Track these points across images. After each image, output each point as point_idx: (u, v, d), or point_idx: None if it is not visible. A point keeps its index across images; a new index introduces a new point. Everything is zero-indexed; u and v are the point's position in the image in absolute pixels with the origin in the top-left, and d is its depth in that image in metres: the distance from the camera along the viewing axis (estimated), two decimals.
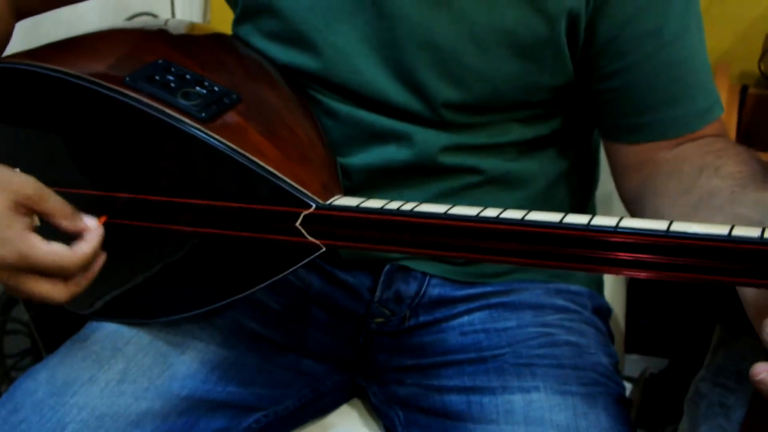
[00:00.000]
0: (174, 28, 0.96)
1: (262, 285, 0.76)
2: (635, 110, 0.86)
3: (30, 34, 0.88)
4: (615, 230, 0.58)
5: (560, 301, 0.97)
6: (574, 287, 1.00)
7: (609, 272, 0.60)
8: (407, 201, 0.86)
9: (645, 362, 1.82)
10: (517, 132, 0.91)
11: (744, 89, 1.51)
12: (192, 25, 1.01)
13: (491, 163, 0.91)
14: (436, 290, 0.96)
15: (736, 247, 0.54)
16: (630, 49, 0.83)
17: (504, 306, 0.96)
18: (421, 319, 0.96)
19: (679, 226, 0.57)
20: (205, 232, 0.76)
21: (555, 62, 0.85)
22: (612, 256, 0.58)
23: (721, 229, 0.55)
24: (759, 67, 1.47)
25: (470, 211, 0.63)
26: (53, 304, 0.73)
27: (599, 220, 0.59)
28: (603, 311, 1.03)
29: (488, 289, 0.97)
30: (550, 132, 0.93)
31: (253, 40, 0.93)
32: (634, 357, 1.84)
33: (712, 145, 0.83)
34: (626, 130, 0.88)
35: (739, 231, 0.55)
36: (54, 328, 0.90)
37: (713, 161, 0.78)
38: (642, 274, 0.58)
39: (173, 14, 1.66)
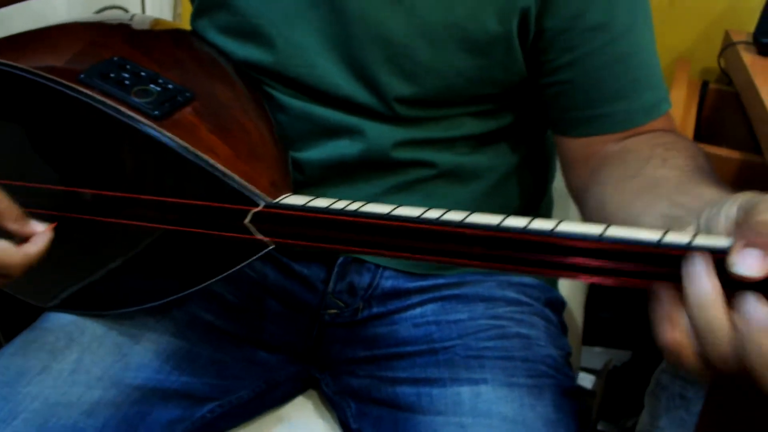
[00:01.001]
0: (136, 23, 0.96)
1: (214, 280, 0.77)
2: (583, 104, 0.87)
3: (2, 27, 0.88)
4: (551, 233, 0.59)
5: (512, 294, 0.99)
6: (526, 279, 1.01)
7: (546, 274, 0.61)
8: (361, 195, 0.88)
9: (608, 355, 1.84)
10: (470, 126, 0.92)
11: (704, 85, 1.53)
12: (155, 21, 1.01)
13: (444, 157, 0.92)
14: (389, 282, 0.97)
15: (666, 253, 0.55)
16: (578, 43, 0.84)
17: (456, 298, 0.97)
18: (375, 310, 0.98)
19: (613, 231, 0.58)
20: (157, 227, 0.77)
21: (507, 57, 0.86)
22: (548, 259, 0.59)
23: (653, 235, 0.56)
24: (718, 62, 1.49)
25: (413, 212, 0.64)
26: None
27: (537, 224, 0.60)
28: (556, 303, 1.05)
29: (441, 281, 0.98)
30: (504, 126, 0.94)
31: (210, 35, 0.93)
32: (597, 349, 1.86)
33: (661, 137, 0.84)
34: (574, 123, 0.89)
35: (670, 237, 0.56)
36: (15, 320, 0.90)
37: (662, 152, 0.79)
38: (580, 278, 0.59)
39: (143, 7, 1.66)
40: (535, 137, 1.01)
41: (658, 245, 0.55)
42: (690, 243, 0.54)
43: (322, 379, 1.02)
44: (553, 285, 1.08)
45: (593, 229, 0.58)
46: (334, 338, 0.99)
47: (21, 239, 0.75)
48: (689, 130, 1.38)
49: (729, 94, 1.51)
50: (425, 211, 0.64)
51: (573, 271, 0.59)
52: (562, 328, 1.04)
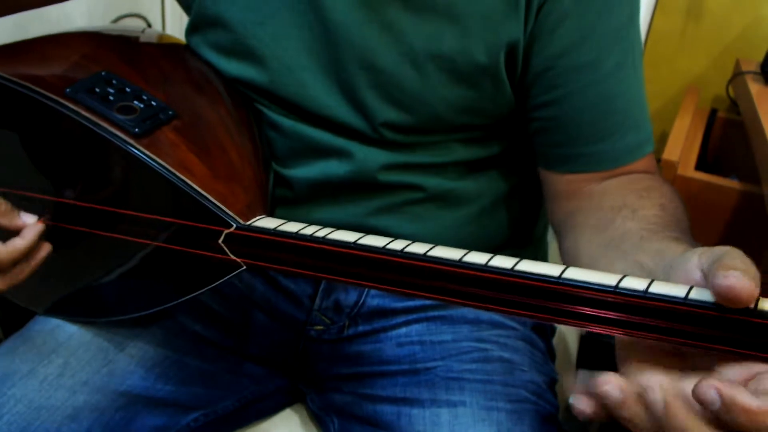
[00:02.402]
0: (136, 37, 0.98)
1: (193, 294, 0.78)
2: (565, 141, 0.87)
3: (17, 34, 0.90)
4: (511, 272, 0.59)
5: (498, 317, 0.99)
6: None
7: (504, 313, 0.61)
8: (348, 215, 0.89)
9: None
10: (460, 153, 0.93)
11: (713, 113, 1.52)
12: (159, 36, 1.03)
13: (432, 182, 0.93)
14: (375, 301, 0.98)
15: (623, 301, 0.55)
16: (562, 81, 0.84)
17: (442, 319, 0.98)
18: (360, 328, 0.98)
19: (571, 273, 0.58)
20: (135, 241, 0.78)
21: (495, 90, 0.86)
22: (506, 298, 0.59)
23: (611, 279, 0.56)
24: (727, 91, 1.47)
25: (378, 242, 0.65)
26: None
27: (498, 261, 0.60)
28: (544, 328, 1.05)
29: (427, 302, 0.98)
30: (494, 154, 0.95)
31: (203, 52, 0.94)
32: (598, 374, 1.84)
33: (638, 183, 0.84)
34: (556, 159, 0.90)
35: (627, 282, 0.56)
36: (17, 319, 0.93)
37: (633, 202, 0.79)
38: (535, 317, 0.59)
39: (163, 15, 1.67)
40: (527, 164, 1.01)
41: (615, 290, 0.56)
42: (646, 290, 0.55)
43: (308, 393, 1.03)
44: None
45: (552, 270, 0.58)
46: (319, 354, 1.00)
47: (12, 235, 0.77)
48: (692, 157, 1.37)
49: (737, 122, 1.49)
50: (390, 242, 0.65)
51: (534, 312, 0.59)
52: (550, 353, 1.04)
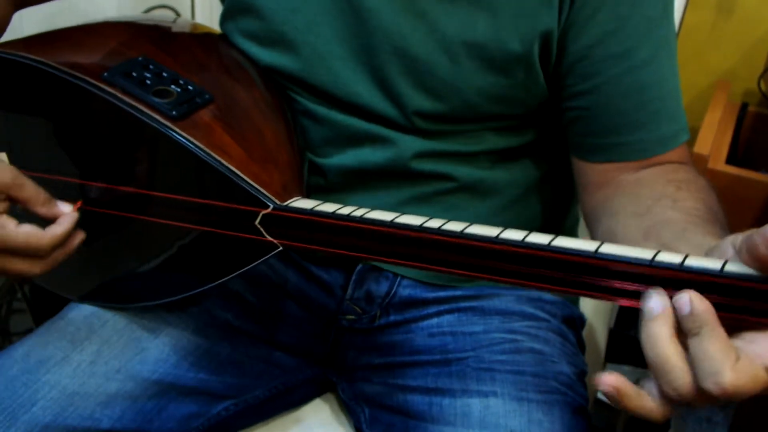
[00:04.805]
0: (170, 26, 0.99)
1: (228, 277, 0.78)
2: (600, 131, 0.87)
3: (48, 25, 0.91)
4: (548, 247, 0.59)
5: (529, 309, 0.99)
6: (545, 295, 1.01)
7: (540, 289, 0.61)
8: (380, 203, 0.89)
9: (636, 374, 1.82)
10: (492, 141, 0.93)
11: (744, 107, 1.51)
12: (193, 25, 1.04)
13: (464, 171, 0.93)
14: (406, 291, 0.98)
15: (659, 274, 0.55)
16: (597, 71, 0.84)
17: (473, 310, 0.98)
18: (392, 318, 0.98)
19: (606, 248, 0.58)
20: (173, 224, 0.79)
21: (528, 78, 0.86)
22: (543, 273, 0.60)
23: (646, 254, 0.56)
24: (758, 85, 1.47)
25: (415, 220, 0.65)
26: (29, 277, 0.77)
27: (534, 237, 0.61)
28: (574, 321, 1.04)
29: (459, 292, 0.98)
30: (526, 142, 0.95)
31: (236, 39, 0.95)
32: (625, 368, 1.85)
33: (675, 173, 0.84)
34: (590, 148, 0.90)
35: (663, 256, 0.56)
36: (47, 307, 0.93)
37: (673, 192, 0.79)
38: (570, 292, 0.60)
39: (192, 5, 1.69)
40: (558, 154, 1.01)
41: (650, 264, 0.56)
42: (682, 263, 0.55)
43: (339, 383, 1.03)
44: (573, 302, 1.07)
45: (588, 246, 0.59)
46: (350, 344, 1.01)
47: (50, 222, 0.78)
48: (723, 152, 1.37)
49: None
50: (427, 221, 0.65)
51: (571, 287, 0.59)
52: (580, 345, 1.04)
